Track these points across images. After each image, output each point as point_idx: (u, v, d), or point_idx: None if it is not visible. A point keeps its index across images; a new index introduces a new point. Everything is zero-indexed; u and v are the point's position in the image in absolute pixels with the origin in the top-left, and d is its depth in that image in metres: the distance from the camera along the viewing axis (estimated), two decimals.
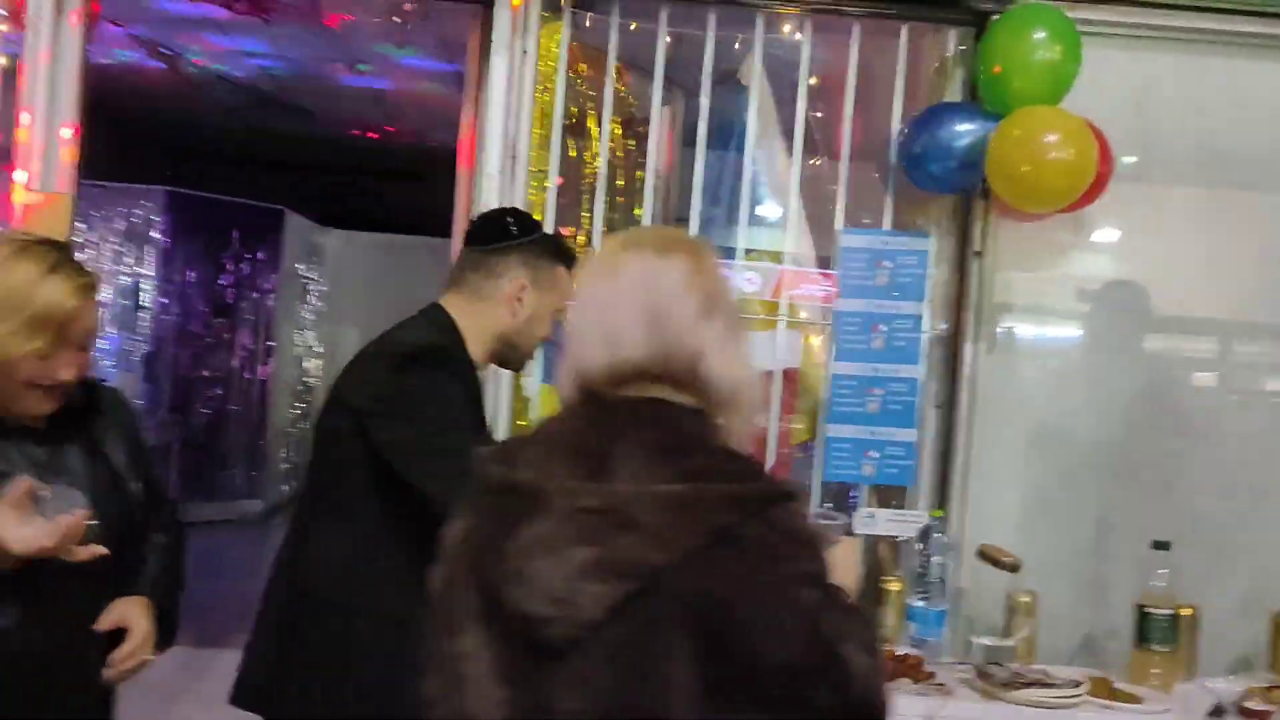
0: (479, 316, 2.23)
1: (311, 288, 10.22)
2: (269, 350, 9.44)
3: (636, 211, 3.60)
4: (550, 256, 2.28)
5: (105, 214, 8.60)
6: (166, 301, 8.79)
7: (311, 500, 2.21)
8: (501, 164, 2.97)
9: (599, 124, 3.37)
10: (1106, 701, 2.68)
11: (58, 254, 1.81)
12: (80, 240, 8.44)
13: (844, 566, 1.90)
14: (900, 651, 2.65)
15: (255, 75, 7.48)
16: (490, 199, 2.96)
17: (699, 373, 1.31)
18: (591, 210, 3.27)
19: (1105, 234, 3.08)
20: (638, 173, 3.51)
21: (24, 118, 2.85)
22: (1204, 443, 3.07)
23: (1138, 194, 3.05)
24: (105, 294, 8.52)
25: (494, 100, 2.97)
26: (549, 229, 3.08)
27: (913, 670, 2.57)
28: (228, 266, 9.25)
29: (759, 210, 3.33)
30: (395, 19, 4.59)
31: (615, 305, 1.32)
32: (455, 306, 2.24)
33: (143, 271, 8.72)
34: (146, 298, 8.69)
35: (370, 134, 8.58)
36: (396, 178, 9.73)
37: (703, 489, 1.21)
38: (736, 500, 1.22)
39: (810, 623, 1.21)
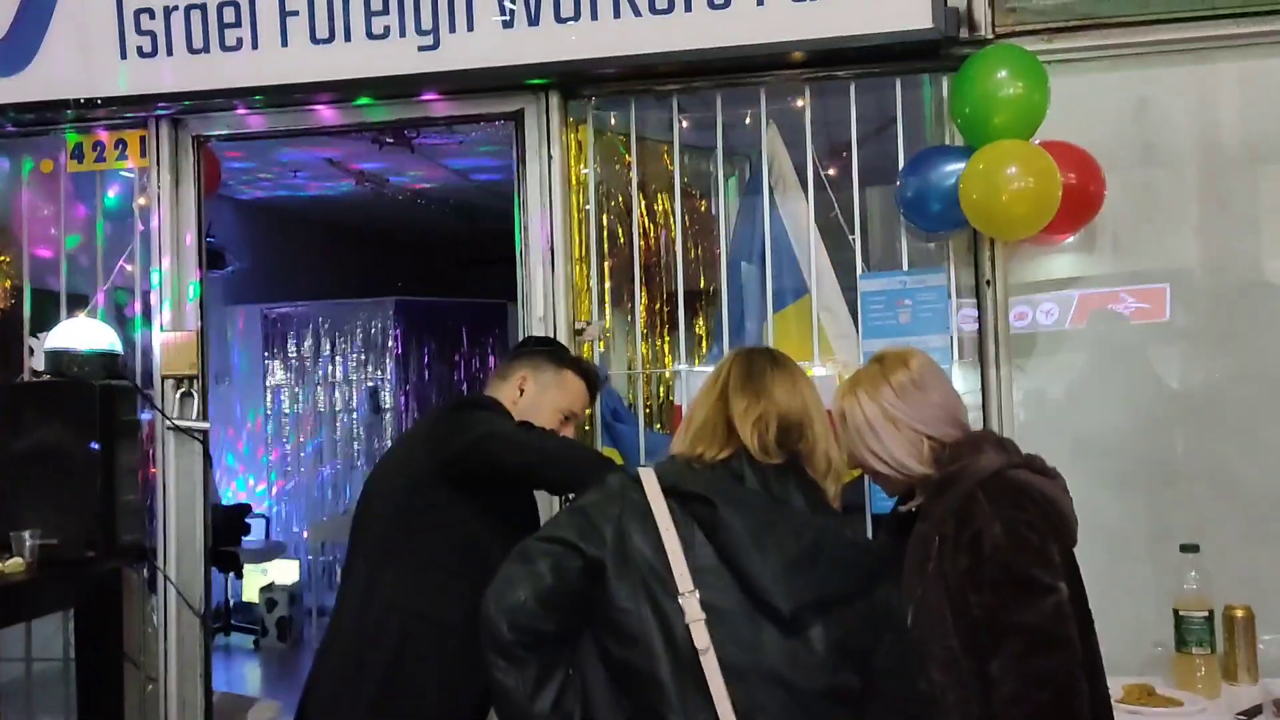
0: None
1: None
2: None
3: (701, 284, 3.92)
4: (555, 362, 2.71)
5: (347, 327, 9.65)
6: (405, 400, 9.70)
7: (381, 541, 2.56)
8: (543, 255, 3.37)
9: (649, 205, 3.74)
10: (1134, 707, 2.71)
11: None
12: (327, 352, 9.60)
13: None
14: None
15: (449, 187, 8.32)
16: (536, 287, 3.37)
17: None
18: (650, 284, 3.64)
19: (1114, 248, 3.13)
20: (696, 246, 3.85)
21: (154, 275, 3.52)
22: (1247, 441, 3.05)
23: (1145, 204, 3.10)
24: (351, 398, 9.58)
25: (530, 200, 3.38)
26: (598, 307, 3.46)
27: None
28: (459, 362, 10.11)
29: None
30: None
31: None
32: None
33: (383, 375, 9.69)
34: (387, 399, 9.65)
35: None
36: None
37: None
38: None
39: None
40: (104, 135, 3.61)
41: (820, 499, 1.85)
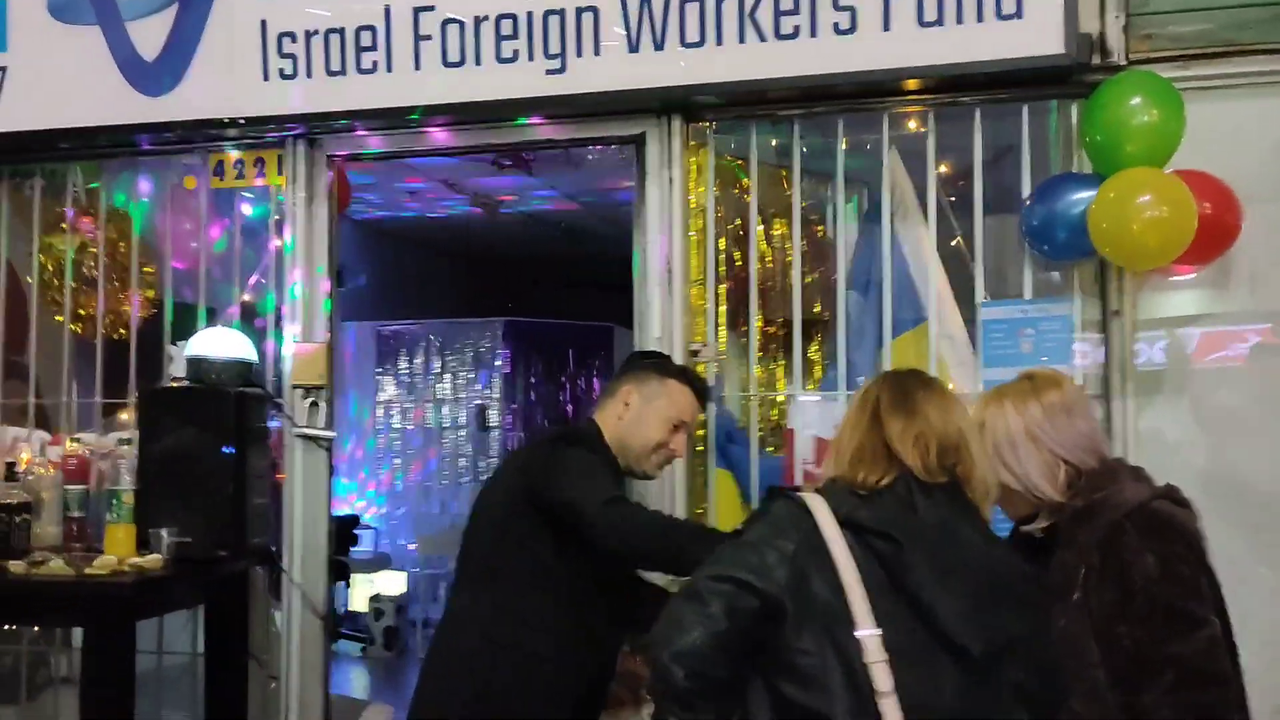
0: (604, 423, 2.73)
1: None
2: None
3: (816, 309, 3.91)
4: (659, 373, 2.76)
5: (457, 346, 9.84)
6: (511, 418, 9.83)
7: (479, 567, 2.66)
8: (660, 277, 3.40)
9: (766, 229, 3.76)
10: None
11: None
12: (437, 370, 9.79)
13: None
14: None
15: (560, 210, 8.43)
16: (653, 308, 3.40)
17: None
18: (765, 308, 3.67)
19: (1245, 282, 3.04)
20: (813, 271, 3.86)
21: (288, 289, 3.66)
22: None
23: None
24: (459, 415, 9.74)
25: (649, 222, 3.43)
26: (713, 330, 3.48)
27: None
28: (565, 383, 10.23)
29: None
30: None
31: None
32: (597, 419, 2.76)
33: (491, 394, 9.84)
34: (494, 416, 9.79)
35: None
36: None
37: None
38: None
39: None
40: (243, 154, 3.76)
41: (984, 526, 1.81)
